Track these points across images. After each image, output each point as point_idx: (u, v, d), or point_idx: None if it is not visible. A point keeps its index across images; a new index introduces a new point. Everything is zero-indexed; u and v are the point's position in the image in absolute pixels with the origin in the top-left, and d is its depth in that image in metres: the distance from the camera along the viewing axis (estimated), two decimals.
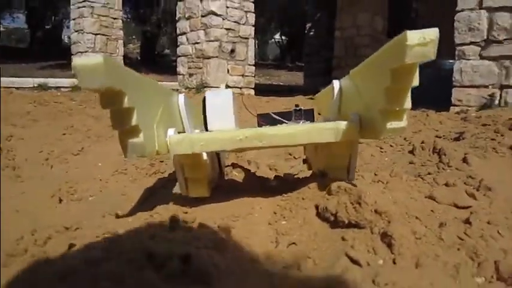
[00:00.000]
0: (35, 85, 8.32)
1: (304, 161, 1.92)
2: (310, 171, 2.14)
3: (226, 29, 8.08)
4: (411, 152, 2.50)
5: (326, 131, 1.10)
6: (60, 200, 1.58)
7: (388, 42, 0.91)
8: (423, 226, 0.97)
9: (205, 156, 1.21)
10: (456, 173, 1.98)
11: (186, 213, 1.21)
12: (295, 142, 1.13)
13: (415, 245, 0.91)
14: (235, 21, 8.24)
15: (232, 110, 1.31)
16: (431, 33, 0.79)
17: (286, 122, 1.47)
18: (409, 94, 0.94)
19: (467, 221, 1.05)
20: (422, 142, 2.48)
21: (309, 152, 1.91)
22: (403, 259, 0.87)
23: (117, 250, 0.93)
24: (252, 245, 1.03)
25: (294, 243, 1.03)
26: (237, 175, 1.69)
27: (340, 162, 1.28)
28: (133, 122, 0.94)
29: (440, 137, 2.95)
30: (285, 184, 1.45)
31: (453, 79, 5.58)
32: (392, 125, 0.97)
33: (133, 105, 0.93)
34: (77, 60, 0.79)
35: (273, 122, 1.46)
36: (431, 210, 1.30)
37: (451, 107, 5.62)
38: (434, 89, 6.66)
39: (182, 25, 8.57)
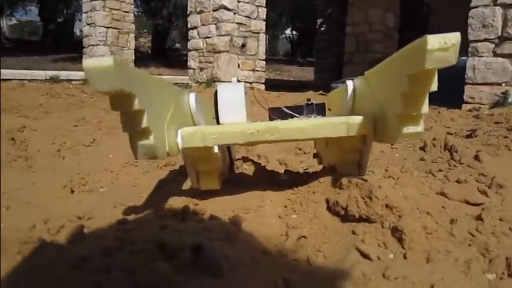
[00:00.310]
0: (47, 77, 8.39)
1: (315, 156, 1.91)
2: (321, 166, 2.14)
3: (238, 23, 8.07)
4: (422, 148, 2.48)
5: (338, 125, 1.09)
6: (72, 191, 1.60)
7: (406, 46, 0.90)
8: (434, 222, 0.96)
9: (216, 149, 1.21)
10: (468, 170, 1.96)
11: (197, 205, 1.22)
12: (306, 136, 1.12)
13: (426, 240, 0.91)
14: (246, 16, 8.22)
15: (244, 104, 1.30)
16: (453, 38, 0.76)
17: (298, 116, 1.47)
18: (427, 99, 0.92)
19: (479, 218, 1.04)
20: (434, 139, 2.46)
21: (319, 147, 1.90)
22: (413, 254, 0.87)
23: (129, 240, 0.94)
24: (262, 237, 1.04)
25: (304, 236, 1.04)
26: (247, 168, 1.69)
27: (351, 157, 1.27)
28: (144, 124, 0.94)
29: (451, 134, 2.93)
30: (295, 178, 1.45)
31: (466, 76, 5.52)
32: (408, 129, 0.95)
33: (143, 108, 0.93)
34: (88, 62, 0.78)
35: (284, 116, 1.45)
36: (443, 207, 1.30)
37: (463, 105, 5.57)
38: (446, 86, 6.57)
39: (193, 19, 8.57)
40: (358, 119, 1.09)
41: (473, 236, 0.96)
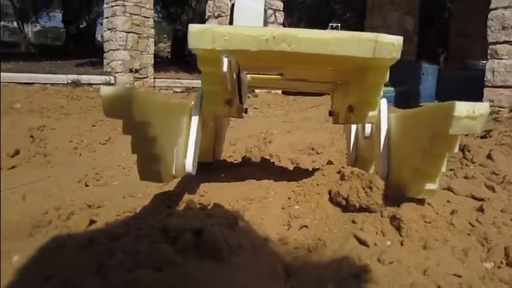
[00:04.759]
0: (69, 81, 8.59)
1: (330, 114, 1.74)
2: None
3: None
4: None
5: (365, 42, 0.96)
6: (86, 185, 1.65)
7: (433, 105, 0.88)
8: (434, 212, 0.97)
9: (225, 67, 1.06)
10: (479, 169, 1.94)
11: (203, 196, 1.25)
12: (328, 51, 0.97)
13: (424, 229, 0.91)
14: None
15: (262, 16, 1.17)
16: (482, 108, 0.75)
17: None
18: (446, 159, 0.90)
19: (480, 209, 1.04)
20: None
21: (337, 101, 1.66)
22: (411, 241, 0.88)
23: (135, 226, 0.97)
24: (264, 225, 1.06)
25: (305, 226, 1.05)
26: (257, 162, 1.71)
27: (373, 94, 1.14)
28: (154, 151, 0.94)
29: (466, 135, 2.90)
30: (302, 172, 1.47)
31: (485, 79, 5.43)
32: (424, 185, 0.94)
33: (155, 135, 0.93)
34: (104, 90, 0.80)
35: None
36: (448, 201, 1.30)
37: None
38: (465, 89, 6.50)
39: (211, 24, 8.68)
40: (387, 37, 0.97)
41: (473, 226, 0.97)
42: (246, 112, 1.60)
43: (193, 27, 0.97)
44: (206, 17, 8.86)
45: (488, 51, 5.36)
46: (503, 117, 4.49)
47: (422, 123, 0.92)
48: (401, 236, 0.90)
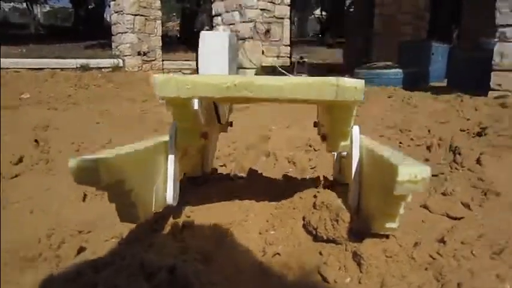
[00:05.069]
0: (77, 66, 8.69)
1: (315, 125, 1.78)
2: (324, 164, 2.20)
3: (261, 9, 8.05)
4: (428, 148, 2.50)
5: (327, 87, 0.97)
6: (85, 196, 1.74)
7: (383, 159, 0.93)
8: (397, 244, 1.03)
9: (196, 106, 1.12)
10: (467, 174, 1.99)
11: (189, 217, 1.33)
12: (288, 96, 1.00)
13: (385, 264, 0.98)
14: (270, 1, 8.18)
15: (227, 55, 1.18)
16: (424, 172, 0.80)
17: (289, 75, 1.38)
18: (403, 205, 0.95)
19: (442, 240, 1.10)
20: (440, 139, 2.47)
21: (320, 116, 1.65)
22: (369, 278, 0.95)
23: (118, 256, 1.05)
24: (241, 253, 1.13)
25: (278, 253, 1.12)
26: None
27: (343, 126, 1.17)
28: (130, 199, 1.00)
29: (464, 131, 2.91)
30: (288, 187, 1.52)
31: (493, 62, 5.35)
32: (384, 223, 0.99)
33: (129, 188, 0.98)
34: (72, 162, 0.86)
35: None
36: (423, 221, 1.35)
37: (490, 92, 5.41)
38: (475, 70, 6.40)
39: (217, 6, 8.61)
40: (349, 81, 0.98)
41: (434, 259, 1.02)
42: (231, 125, 1.65)
43: (158, 78, 1.01)
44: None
45: (497, 34, 5.26)
46: (510, 102, 4.44)
47: (383, 169, 0.96)
48: (361, 272, 0.96)
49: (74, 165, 0.86)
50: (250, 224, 1.26)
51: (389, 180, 0.83)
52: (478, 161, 2.06)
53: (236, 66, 1.23)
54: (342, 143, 1.19)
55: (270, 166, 2.44)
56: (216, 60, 1.12)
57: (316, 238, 1.12)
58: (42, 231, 1.25)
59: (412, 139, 2.86)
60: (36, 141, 2.42)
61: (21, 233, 1.26)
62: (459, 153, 2.20)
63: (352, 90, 0.97)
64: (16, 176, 1.94)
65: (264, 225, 1.25)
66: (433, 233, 1.18)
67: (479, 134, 2.68)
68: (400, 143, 2.79)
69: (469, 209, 1.42)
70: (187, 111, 1.12)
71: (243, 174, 1.96)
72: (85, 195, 1.77)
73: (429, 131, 3.03)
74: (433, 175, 2.02)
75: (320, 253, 1.06)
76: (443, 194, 1.52)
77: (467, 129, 2.91)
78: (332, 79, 0.97)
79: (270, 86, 0.99)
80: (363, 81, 0.99)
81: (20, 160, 2.10)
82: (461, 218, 1.36)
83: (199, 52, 1.13)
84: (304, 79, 1.01)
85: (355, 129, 1.17)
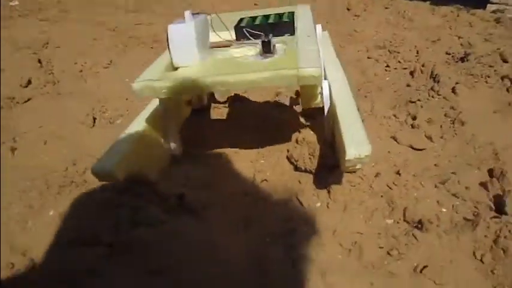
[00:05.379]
0: None
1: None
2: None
3: None
4: (412, 73, 2.65)
5: (289, 78, 1.09)
6: (94, 120, 1.94)
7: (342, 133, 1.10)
8: (359, 177, 1.26)
9: None
10: (442, 102, 2.18)
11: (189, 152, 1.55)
12: (258, 86, 1.14)
13: (348, 192, 1.23)
14: None
15: (195, 46, 1.21)
16: (367, 151, 1.02)
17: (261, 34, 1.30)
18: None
19: (398, 172, 1.33)
20: (423, 65, 2.62)
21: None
22: (335, 203, 1.20)
23: (135, 184, 1.29)
24: (234, 179, 1.38)
25: (266, 179, 1.37)
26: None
27: (311, 92, 1.49)
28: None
29: (449, 54, 3.02)
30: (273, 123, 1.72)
31: None
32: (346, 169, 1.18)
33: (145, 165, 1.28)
34: (95, 169, 1.16)
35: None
36: (389, 151, 1.59)
37: (488, 5, 5.36)
38: None
39: None
40: (308, 71, 1.08)
41: (390, 188, 1.27)
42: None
43: (135, 85, 1.13)
44: None
45: None
46: (505, 18, 4.46)
47: (339, 142, 1.16)
48: (330, 198, 1.22)
49: (98, 171, 1.15)
50: (242, 155, 1.49)
51: (341, 156, 1.06)
52: (454, 90, 2.24)
53: (209, 45, 1.31)
54: (314, 102, 1.45)
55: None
56: (187, 52, 1.18)
57: (297, 169, 1.36)
58: (65, 157, 1.48)
59: (399, 61, 2.98)
60: (39, 62, 2.54)
61: (46, 160, 1.49)
62: (438, 81, 2.38)
63: (311, 78, 1.09)
64: (29, 99, 2.11)
65: (255, 156, 1.48)
66: (394, 164, 1.41)
67: (462, 59, 2.81)
68: (387, 66, 2.91)
69: (431, 141, 1.64)
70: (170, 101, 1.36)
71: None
72: (94, 119, 1.98)
73: (417, 52, 3.12)
74: (410, 101, 2.23)
75: (299, 181, 1.31)
76: (412, 126, 1.73)
77: (453, 53, 3.03)
78: (293, 72, 1.08)
79: (243, 82, 1.11)
80: (320, 68, 1.09)
81: (29, 82, 2.25)
82: (423, 149, 1.59)
83: (169, 46, 1.18)
84: (271, 73, 1.10)
85: (325, 84, 1.31)
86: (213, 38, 1.36)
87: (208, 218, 1.19)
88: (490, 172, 1.45)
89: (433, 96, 2.28)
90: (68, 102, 2.12)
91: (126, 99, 2.19)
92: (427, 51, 3.18)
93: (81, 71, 2.60)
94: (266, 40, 1.19)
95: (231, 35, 1.36)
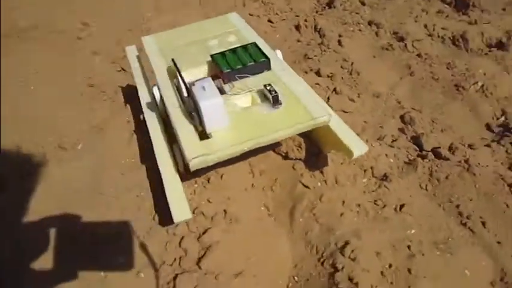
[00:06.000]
0: None
1: None
2: None
3: None
4: (297, 28, 3.01)
5: (306, 128, 1.39)
6: None
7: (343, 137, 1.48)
8: (335, 155, 1.69)
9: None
10: (334, 55, 2.64)
11: None
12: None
13: (335, 169, 1.65)
14: None
15: (224, 108, 1.36)
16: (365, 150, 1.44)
17: (249, 76, 1.55)
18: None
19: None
20: (305, 20, 3.00)
21: None
22: (329, 179, 1.62)
23: None
24: (233, 177, 1.68)
25: (264, 170, 1.71)
26: None
27: None
28: None
29: (318, 1, 3.40)
30: None
31: None
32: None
33: None
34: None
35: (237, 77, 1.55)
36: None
37: None
38: None
39: None
40: (321, 120, 1.39)
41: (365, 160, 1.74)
42: None
43: (193, 162, 1.29)
44: None
45: None
46: None
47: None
48: (323, 176, 1.63)
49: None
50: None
51: (347, 153, 1.49)
52: (340, 43, 2.72)
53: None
54: None
55: None
56: (219, 121, 1.39)
57: (287, 158, 1.72)
58: None
59: (277, 13, 3.26)
60: None
61: None
62: (324, 35, 2.83)
63: (323, 123, 1.43)
64: None
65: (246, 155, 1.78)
66: None
67: (329, 6, 3.25)
68: (270, 21, 3.18)
69: (354, 101, 2.13)
70: None
71: None
72: None
73: (291, 9, 3.37)
74: (308, 58, 2.64)
75: (293, 167, 1.68)
76: (336, 92, 2.18)
77: (320, 3, 3.43)
78: (311, 123, 1.40)
79: (272, 140, 1.39)
80: (329, 115, 1.44)
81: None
82: (350, 112, 2.07)
83: (204, 119, 1.35)
84: (294, 129, 1.38)
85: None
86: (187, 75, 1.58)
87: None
88: (402, 118, 2.03)
89: (324, 51, 2.69)
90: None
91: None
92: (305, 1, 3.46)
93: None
94: (275, 94, 1.41)
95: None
